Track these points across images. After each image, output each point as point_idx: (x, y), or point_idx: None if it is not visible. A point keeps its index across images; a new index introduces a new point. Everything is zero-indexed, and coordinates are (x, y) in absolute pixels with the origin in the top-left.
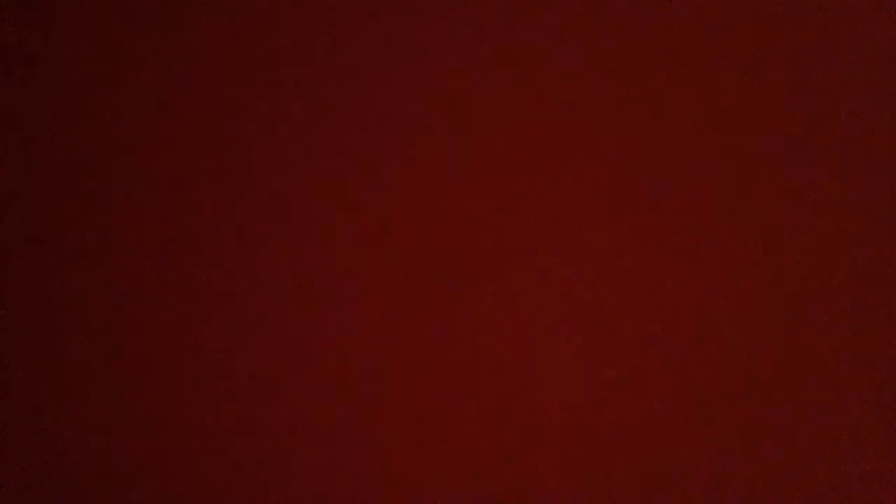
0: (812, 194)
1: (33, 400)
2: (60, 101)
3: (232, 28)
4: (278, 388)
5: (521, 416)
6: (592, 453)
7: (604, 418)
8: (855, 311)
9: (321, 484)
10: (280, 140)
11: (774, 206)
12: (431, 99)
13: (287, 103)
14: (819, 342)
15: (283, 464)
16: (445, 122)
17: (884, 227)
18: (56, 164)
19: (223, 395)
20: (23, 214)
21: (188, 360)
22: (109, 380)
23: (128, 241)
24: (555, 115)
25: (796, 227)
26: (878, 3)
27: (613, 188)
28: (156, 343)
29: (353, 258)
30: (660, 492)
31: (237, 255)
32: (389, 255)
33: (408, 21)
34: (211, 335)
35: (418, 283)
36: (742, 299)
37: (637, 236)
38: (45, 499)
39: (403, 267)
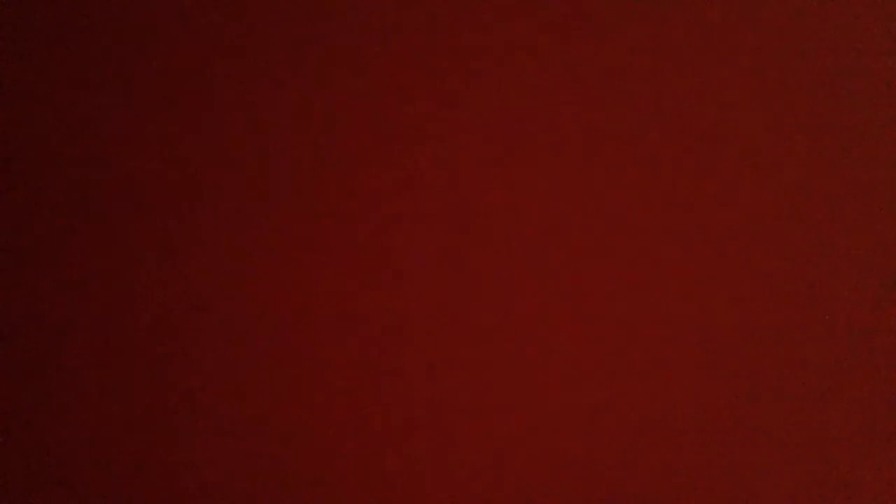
0: (814, 194)
1: (33, 400)
2: (57, 101)
3: (230, 28)
4: (279, 390)
5: (520, 418)
6: (593, 454)
7: (604, 420)
8: (857, 312)
9: (322, 484)
10: (280, 142)
11: (775, 207)
12: (431, 99)
13: (289, 103)
14: (820, 343)
15: (283, 465)
16: (446, 122)
17: (884, 227)
18: (55, 164)
19: (223, 396)
20: (22, 214)
21: (190, 360)
22: (108, 381)
23: (127, 241)
24: (557, 115)
25: (798, 227)
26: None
27: (619, 189)
28: (156, 344)
29: (353, 260)
30: (662, 492)
31: (238, 256)
32: (390, 256)
33: (410, 22)
34: (211, 336)
35: (420, 284)
36: (744, 300)
37: (639, 238)
38: (45, 498)
39: (404, 270)
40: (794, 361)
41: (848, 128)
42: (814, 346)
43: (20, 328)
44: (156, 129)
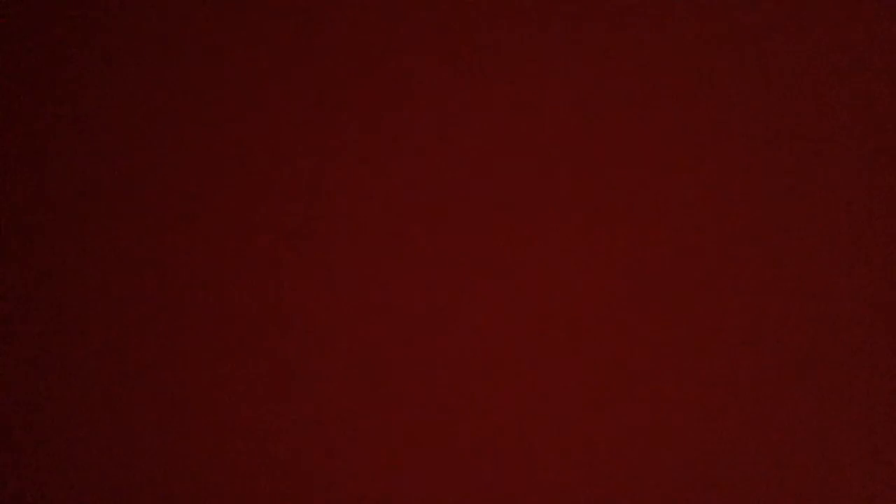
0: (813, 194)
1: (33, 401)
2: (57, 103)
3: (232, 29)
4: (280, 388)
5: (519, 420)
6: (593, 456)
7: (602, 422)
8: (858, 313)
9: (321, 485)
10: (282, 143)
11: (775, 207)
12: (433, 101)
13: (292, 104)
14: (819, 344)
15: (285, 466)
16: (447, 123)
17: (883, 227)
18: (54, 165)
19: (224, 397)
20: (22, 215)
21: (192, 362)
22: (108, 383)
23: (127, 242)
24: (557, 115)
25: (796, 228)
26: (875, 6)
27: (616, 190)
28: (158, 346)
29: (353, 260)
30: (661, 493)
31: (238, 256)
32: (389, 256)
33: (410, 25)
34: (210, 336)
35: (420, 285)
36: (743, 301)
37: (638, 238)
38: (45, 499)
39: (405, 271)
40: (793, 362)
41: (848, 127)
42: (813, 347)
43: (20, 327)
44: (154, 128)
